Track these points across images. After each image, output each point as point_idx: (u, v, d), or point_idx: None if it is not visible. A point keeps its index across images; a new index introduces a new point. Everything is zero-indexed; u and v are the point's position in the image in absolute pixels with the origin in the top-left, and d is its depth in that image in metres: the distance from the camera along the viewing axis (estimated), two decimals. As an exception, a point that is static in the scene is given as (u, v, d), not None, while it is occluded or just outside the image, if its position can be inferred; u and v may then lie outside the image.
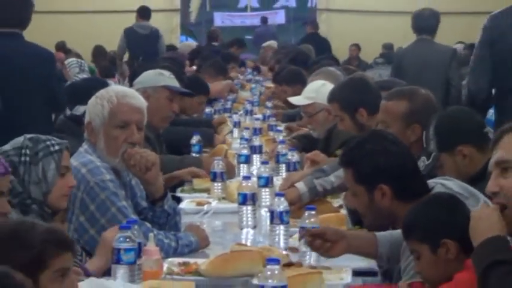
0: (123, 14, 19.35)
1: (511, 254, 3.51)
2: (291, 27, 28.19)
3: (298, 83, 9.22)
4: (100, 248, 4.38)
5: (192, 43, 20.12)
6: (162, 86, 7.13)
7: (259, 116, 10.45)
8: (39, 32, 8.29)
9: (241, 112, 10.89)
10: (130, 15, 17.84)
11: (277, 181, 6.40)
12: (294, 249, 4.76)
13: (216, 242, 5.14)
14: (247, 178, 5.79)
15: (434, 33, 10.56)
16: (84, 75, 12.05)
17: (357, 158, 4.51)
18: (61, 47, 17.15)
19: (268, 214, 5.17)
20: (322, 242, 4.41)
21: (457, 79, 9.92)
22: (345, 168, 4.59)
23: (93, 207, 4.91)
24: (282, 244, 4.90)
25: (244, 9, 31.73)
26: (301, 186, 5.84)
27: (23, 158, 4.33)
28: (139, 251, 4.27)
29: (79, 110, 6.77)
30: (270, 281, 3.60)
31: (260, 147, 7.67)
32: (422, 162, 5.14)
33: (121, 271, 4.16)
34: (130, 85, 7.83)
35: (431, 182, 4.53)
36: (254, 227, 5.42)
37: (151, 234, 4.63)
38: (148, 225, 4.98)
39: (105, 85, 6.23)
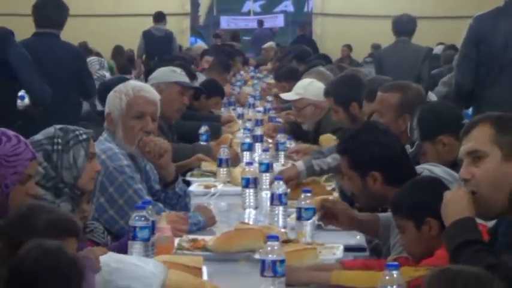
0: (140, 18, 19.34)
1: (479, 234, 3.51)
2: (289, 29, 28.15)
3: (295, 80, 9.22)
4: None
5: (202, 44, 20.17)
6: (174, 81, 7.14)
7: (261, 108, 10.47)
8: (66, 33, 8.33)
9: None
10: (146, 19, 17.90)
11: (277, 167, 6.42)
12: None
13: (222, 221, 5.14)
14: (249, 164, 5.84)
15: (412, 35, 10.68)
16: (104, 72, 12.10)
17: (351, 147, 4.51)
18: (83, 46, 17.18)
19: (269, 196, 5.18)
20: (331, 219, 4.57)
21: (426, 75, 10.13)
22: (341, 156, 4.60)
23: (112, 189, 4.91)
24: (280, 223, 4.91)
25: (248, 13, 31.72)
26: (299, 164, 5.91)
27: (55, 147, 4.32)
28: (153, 228, 4.27)
29: None
30: (270, 255, 3.60)
31: (261, 136, 7.70)
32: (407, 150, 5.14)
33: (136, 247, 4.15)
34: (146, 81, 7.86)
35: (418, 167, 4.54)
36: (256, 208, 5.42)
37: (163, 214, 4.63)
38: (161, 205, 4.99)
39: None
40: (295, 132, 8.07)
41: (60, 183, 4.30)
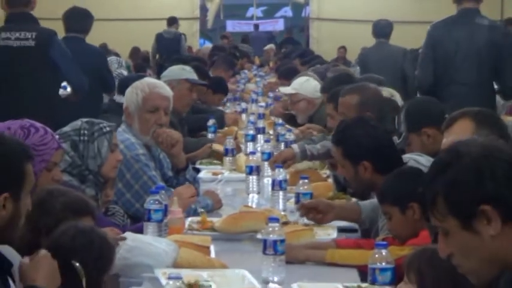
0: (155, 22, 19.32)
1: None
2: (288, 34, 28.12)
3: (290, 78, 9.26)
4: None
5: (209, 46, 20.20)
6: (184, 78, 7.15)
7: (263, 103, 10.45)
8: (89, 35, 8.44)
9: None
10: (160, 23, 17.95)
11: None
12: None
13: (228, 204, 5.14)
14: (253, 153, 5.83)
15: (389, 37, 10.85)
16: (122, 70, 12.09)
17: (345, 139, 4.50)
18: (103, 47, 17.17)
19: (270, 182, 5.16)
20: (315, 213, 4.47)
21: (412, 73, 9.85)
22: (335, 146, 4.57)
23: (128, 175, 4.91)
24: (281, 206, 4.90)
25: (251, 18, 31.69)
26: (295, 147, 5.93)
27: (82, 138, 4.33)
28: (165, 211, 4.27)
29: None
30: (271, 235, 3.59)
31: (263, 128, 7.70)
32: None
33: (151, 227, 4.15)
34: (158, 78, 7.87)
35: (405, 157, 4.54)
36: (258, 193, 5.42)
37: (175, 198, 4.63)
38: (173, 190, 4.98)
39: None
40: (292, 123, 8.07)
41: (85, 171, 4.31)
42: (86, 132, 4.35)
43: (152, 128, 5.11)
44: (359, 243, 4.07)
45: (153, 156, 5.17)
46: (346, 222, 4.63)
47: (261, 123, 7.81)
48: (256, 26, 27.64)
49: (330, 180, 5.75)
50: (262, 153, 6.05)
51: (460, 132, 3.54)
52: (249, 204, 5.13)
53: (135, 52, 18.10)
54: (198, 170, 6.20)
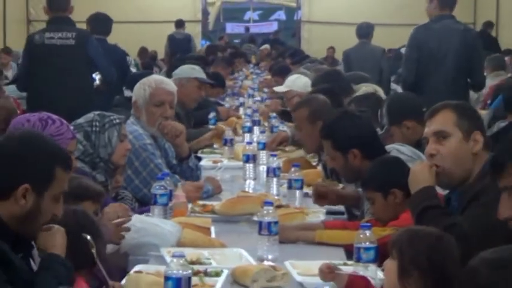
0: (161, 24, 19.29)
1: (438, 200, 3.52)
2: (282, 35, 28.06)
3: (286, 75, 9.24)
4: None
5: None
6: (194, 77, 7.17)
7: (258, 98, 10.46)
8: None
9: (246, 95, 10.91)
10: (166, 25, 18.04)
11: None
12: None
13: (227, 189, 5.13)
14: (249, 143, 5.83)
15: (370, 38, 11.11)
16: (131, 68, 12.08)
17: (332, 132, 4.48)
18: (114, 47, 17.19)
19: (265, 169, 5.17)
20: (324, 199, 4.54)
21: (386, 67, 10.53)
22: (324, 140, 4.55)
23: (137, 163, 4.91)
24: (275, 191, 4.90)
25: (248, 21, 31.66)
26: (288, 130, 6.12)
27: (93, 129, 4.33)
28: (170, 195, 4.27)
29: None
30: (265, 218, 3.59)
31: (259, 121, 7.69)
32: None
33: (157, 210, 4.16)
34: (168, 75, 7.93)
35: (388, 147, 4.53)
36: (254, 179, 5.41)
37: (179, 184, 4.63)
38: (177, 177, 4.99)
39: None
40: (286, 117, 8.06)
41: (97, 158, 4.31)
42: (97, 123, 4.35)
43: (158, 120, 5.12)
44: (345, 224, 4.08)
45: (159, 146, 5.17)
46: (333, 206, 4.65)
47: (256, 116, 7.81)
48: (247, 28, 27.76)
49: (319, 167, 5.75)
50: (258, 143, 6.05)
51: (443, 121, 3.54)
52: (246, 189, 5.13)
53: (143, 52, 18.11)
54: (199, 159, 6.21)
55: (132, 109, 5.22)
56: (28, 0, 20.43)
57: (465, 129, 3.51)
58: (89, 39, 7.68)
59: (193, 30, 19.65)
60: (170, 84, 5.31)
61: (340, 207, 4.72)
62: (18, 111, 6.71)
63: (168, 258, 3.35)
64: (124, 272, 3.33)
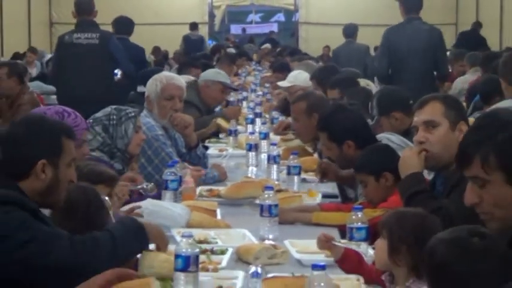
0: (172, 26, 19.36)
1: (425, 185, 3.52)
2: (281, 35, 27.99)
3: (286, 71, 9.24)
4: None
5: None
6: (218, 81, 7.17)
7: (260, 92, 10.43)
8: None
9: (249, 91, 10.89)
10: (177, 27, 18.27)
11: (272, 136, 6.39)
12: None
13: (231, 175, 5.12)
14: (252, 133, 5.82)
15: (355, 37, 11.65)
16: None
17: (328, 125, 4.47)
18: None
19: (266, 157, 5.15)
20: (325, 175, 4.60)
21: (370, 64, 10.71)
22: (321, 132, 4.54)
23: (150, 152, 4.90)
24: (275, 177, 4.88)
25: (250, 22, 31.61)
26: (290, 119, 6.05)
27: (111, 122, 4.33)
28: (180, 181, 4.26)
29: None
30: (267, 201, 3.59)
31: (260, 113, 7.66)
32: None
33: (168, 195, 4.16)
34: (179, 72, 8.30)
35: (379, 136, 4.53)
36: (256, 166, 5.39)
37: (188, 170, 4.62)
38: (186, 164, 4.97)
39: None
40: (287, 109, 8.05)
41: (114, 149, 4.31)
42: (114, 117, 4.34)
43: (169, 112, 5.11)
44: (339, 207, 4.07)
45: (170, 136, 5.16)
46: (328, 190, 4.65)
47: (258, 109, 7.79)
48: (244, 30, 27.93)
49: (316, 155, 5.74)
50: (260, 133, 6.02)
51: (432, 112, 3.55)
52: (249, 175, 5.11)
53: (156, 50, 18.15)
54: (206, 147, 6.21)
55: (145, 103, 5.21)
56: (51, 4, 20.49)
57: (452, 120, 3.52)
58: (111, 39, 8.07)
59: (201, 31, 19.64)
60: (180, 80, 5.31)
61: (335, 191, 4.72)
62: (41, 105, 6.72)
63: (178, 238, 3.35)
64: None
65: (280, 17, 31.68)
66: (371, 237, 3.19)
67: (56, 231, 2.66)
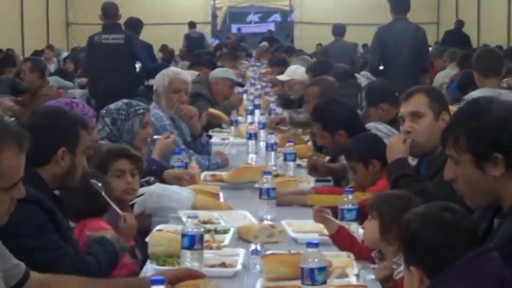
0: (177, 25, 19.30)
1: (410, 169, 3.52)
2: (278, 34, 27.96)
3: (283, 66, 9.23)
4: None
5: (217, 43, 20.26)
6: (227, 77, 7.15)
7: (259, 86, 10.41)
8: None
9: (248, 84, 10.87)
10: (181, 26, 18.01)
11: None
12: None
13: (233, 162, 5.11)
14: (251, 123, 5.78)
15: (343, 36, 11.80)
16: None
17: (322, 116, 4.46)
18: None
19: (264, 145, 5.14)
20: (316, 171, 4.51)
21: (357, 59, 11.24)
22: (314, 122, 4.53)
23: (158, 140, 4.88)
24: (272, 163, 4.87)
25: (250, 22, 31.56)
26: (286, 114, 6.12)
27: (120, 116, 4.32)
28: (186, 167, 4.25)
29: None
30: (265, 185, 3.59)
31: (259, 105, 7.65)
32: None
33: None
34: (190, 67, 8.46)
35: (368, 125, 4.52)
36: (256, 153, 5.37)
37: (193, 157, 4.62)
38: (192, 151, 4.96)
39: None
40: (285, 101, 8.04)
41: (120, 140, 4.28)
42: (123, 112, 4.33)
43: (176, 104, 5.09)
44: (332, 190, 4.06)
45: (177, 126, 5.14)
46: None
47: (257, 101, 7.79)
48: (239, 29, 28.01)
49: (310, 143, 5.73)
50: (259, 123, 6.02)
51: (417, 103, 3.54)
52: (249, 161, 5.11)
53: (164, 48, 18.09)
54: (210, 136, 6.20)
55: (154, 96, 5.19)
56: (67, 6, 20.50)
57: (436, 111, 3.51)
58: (134, 39, 8.56)
59: (204, 30, 19.63)
60: (185, 75, 5.30)
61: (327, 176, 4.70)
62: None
63: (184, 219, 3.34)
64: (148, 231, 3.32)
65: (277, 17, 31.60)
66: (361, 217, 3.18)
67: (64, 248, 2.68)
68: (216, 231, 3.29)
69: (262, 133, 5.79)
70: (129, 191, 3.49)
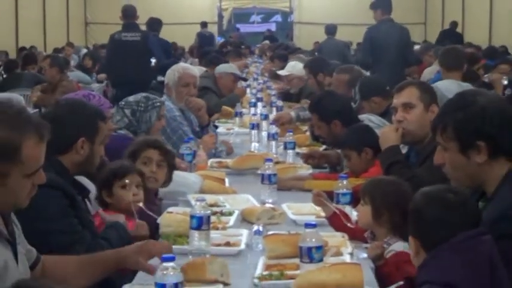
0: (187, 25, 19.31)
1: (402, 156, 3.51)
2: (278, 33, 27.88)
3: (283, 60, 9.24)
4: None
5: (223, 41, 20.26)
6: (231, 72, 7.15)
7: (261, 80, 10.38)
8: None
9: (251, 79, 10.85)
10: (191, 26, 18.11)
11: (271, 115, 6.36)
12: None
13: (237, 150, 5.10)
14: (254, 115, 5.78)
15: (334, 34, 12.06)
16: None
17: (319, 106, 4.45)
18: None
19: (266, 135, 5.13)
20: (312, 158, 4.51)
21: (349, 56, 11.24)
22: (312, 113, 4.52)
23: (168, 130, 4.88)
24: (274, 151, 4.85)
25: (253, 22, 31.52)
26: (292, 112, 5.94)
27: (139, 108, 4.30)
28: (194, 155, 4.24)
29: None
30: (267, 171, 3.57)
31: (261, 98, 7.63)
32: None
33: (183, 166, 4.13)
34: (200, 63, 8.72)
35: (361, 116, 4.52)
36: (258, 142, 5.36)
37: (201, 146, 4.60)
38: (200, 140, 4.95)
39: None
40: (285, 95, 8.02)
41: (138, 130, 4.28)
42: (142, 104, 4.32)
43: (185, 97, 5.09)
44: (328, 176, 4.06)
45: (186, 117, 5.14)
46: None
47: (259, 94, 7.77)
48: (237, 29, 27.99)
49: (308, 133, 5.72)
50: (261, 114, 6.01)
51: (409, 95, 3.54)
52: (252, 150, 5.09)
53: (174, 46, 18.10)
54: (216, 126, 6.19)
55: (165, 89, 5.18)
56: (86, 7, 20.51)
57: (426, 103, 3.52)
58: (150, 37, 8.76)
59: (211, 30, 19.60)
60: (194, 70, 5.30)
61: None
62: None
63: (193, 202, 3.34)
64: (159, 213, 3.32)
65: (278, 17, 31.52)
66: (355, 201, 3.17)
67: (81, 232, 2.67)
68: (222, 213, 3.29)
69: (264, 124, 5.77)
70: (151, 180, 3.45)
